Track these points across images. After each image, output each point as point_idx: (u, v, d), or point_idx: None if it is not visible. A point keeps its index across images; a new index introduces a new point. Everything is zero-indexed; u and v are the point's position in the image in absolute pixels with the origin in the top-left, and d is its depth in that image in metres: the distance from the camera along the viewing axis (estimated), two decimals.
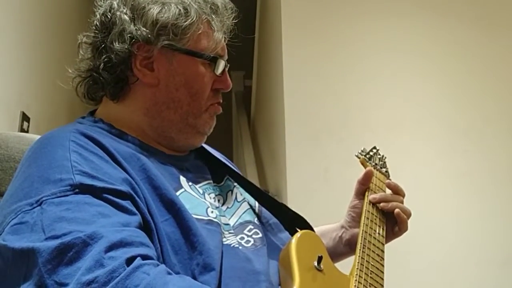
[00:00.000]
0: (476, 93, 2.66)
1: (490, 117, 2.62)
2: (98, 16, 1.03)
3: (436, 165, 2.51)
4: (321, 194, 2.42)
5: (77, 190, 0.81)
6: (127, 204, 0.83)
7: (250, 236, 0.98)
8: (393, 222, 1.15)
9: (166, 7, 1.00)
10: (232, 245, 0.93)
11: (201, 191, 0.99)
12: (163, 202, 0.90)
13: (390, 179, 1.26)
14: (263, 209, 1.08)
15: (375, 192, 1.19)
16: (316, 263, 0.92)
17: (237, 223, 1.00)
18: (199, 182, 1.02)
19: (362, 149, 1.28)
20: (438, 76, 2.68)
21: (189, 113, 1.03)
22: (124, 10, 1.00)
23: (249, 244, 0.96)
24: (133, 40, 0.98)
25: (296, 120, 2.60)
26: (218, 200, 1.03)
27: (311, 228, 1.08)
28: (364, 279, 0.97)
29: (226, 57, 1.08)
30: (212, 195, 1.01)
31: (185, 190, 0.96)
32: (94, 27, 1.03)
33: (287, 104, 2.62)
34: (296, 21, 2.76)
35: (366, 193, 1.19)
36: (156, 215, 0.88)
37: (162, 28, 0.99)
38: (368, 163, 1.26)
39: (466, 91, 2.67)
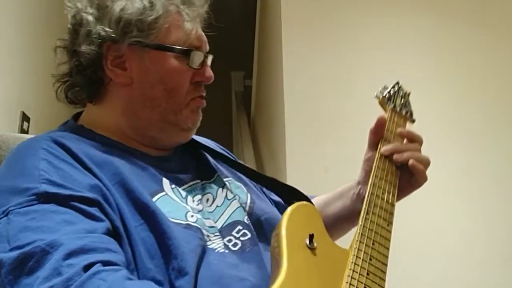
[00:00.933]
0: (477, 91, 2.66)
1: (491, 115, 2.62)
2: (70, 18, 1.01)
3: (436, 163, 2.49)
4: (321, 194, 2.42)
5: (42, 199, 0.80)
6: (94, 210, 0.81)
7: (238, 238, 0.94)
8: (411, 174, 1.07)
9: (129, 3, 0.96)
10: (217, 250, 0.90)
11: (183, 194, 0.96)
12: (137, 206, 0.87)
13: (413, 120, 1.14)
14: (255, 206, 1.04)
15: (389, 142, 1.08)
16: (308, 242, 0.86)
17: (225, 224, 0.97)
18: (184, 184, 0.99)
19: (383, 86, 1.15)
20: (439, 74, 2.68)
21: (168, 111, 0.99)
22: (90, 11, 0.98)
23: (237, 248, 0.92)
24: (100, 40, 0.96)
25: (296, 120, 2.60)
26: (207, 200, 0.99)
27: (308, 200, 1.04)
28: (365, 252, 0.88)
29: (205, 47, 1.03)
30: (198, 197, 0.98)
31: (166, 194, 0.93)
32: (68, 30, 1.01)
33: (287, 104, 2.62)
34: (296, 21, 2.76)
35: (379, 144, 1.08)
36: (130, 220, 0.85)
37: (126, 25, 0.96)
38: (387, 105, 1.13)
39: (467, 89, 2.67)
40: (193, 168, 1.04)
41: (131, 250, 0.83)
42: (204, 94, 1.04)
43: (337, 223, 1.15)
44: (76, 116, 1.06)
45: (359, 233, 0.91)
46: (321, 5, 2.78)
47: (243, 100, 4.77)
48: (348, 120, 2.56)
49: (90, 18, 0.97)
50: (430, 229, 2.37)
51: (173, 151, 1.05)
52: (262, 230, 0.99)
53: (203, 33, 1.03)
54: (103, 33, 0.96)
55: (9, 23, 2.24)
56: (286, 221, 0.89)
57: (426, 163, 1.08)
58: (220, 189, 1.03)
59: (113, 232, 0.82)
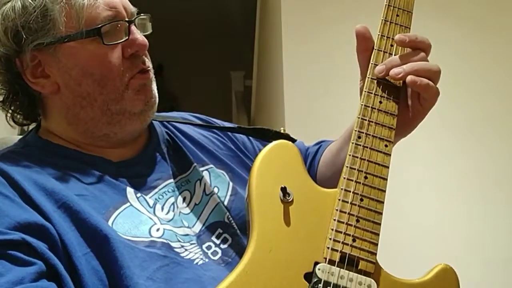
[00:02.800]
0: (478, 91, 2.66)
1: (492, 116, 2.62)
2: None
3: (437, 164, 2.50)
4: None
5: None
6: (22, 254, 0.74)
7: (218, 245, 0.87)
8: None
9: (8, 8, 0.86)
10: (196, 262, 0.82)
11: (151, 203, 0.88)
12: (85, 230, 0.79)
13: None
14: (237, 198, 0.95)
15: (389, 53, 0.81)
16: (281, 196, 0.75)
17: (204, 227, 0.89)
18: (154, 188, 0.91)
19: None
20: (441, 75, 2.68)
21: (107, 102, 0.88)
22: None
23: (217, 257, 0.85)
24: (3, 61, 0.89)
25: (296, 120, 2.60)
26: (183, 199, 0.92)
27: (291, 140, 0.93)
28: (353, 192, 0.75)
29: (125, 12, 0.89)
30: (171, 200, 0.90)
31: (131, 205, 0.86)
32: None
33: (287, 104, 2.62)
34: (296, 21, 2.76)
35: (370, 64, 0.83)
36: (76, 249, 0.78)
37: (15, 33, 0.86)
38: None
39: (468, 89, 2.66)
40: (166, 164, 0.96)
41: (76, 286, 0.76)
42: (146, 66, 0.92)
43: None
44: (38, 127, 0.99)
45: (346, 167, 0.77)
46: (322, 5, 2.78)
47: (243, 100, 4.77)
48: (348, 120, 2.53)
49: None
50: (431, 229, 2.36)
51: (141, 148, 0.97)
52: (244, 226, 0.90)
53: None
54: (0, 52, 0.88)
55: None
56: (255, 179, 0.78)
57: (433, 73, 0.84)
58: (198, 182, 0.95)
59: (48, 273, 0.75)
